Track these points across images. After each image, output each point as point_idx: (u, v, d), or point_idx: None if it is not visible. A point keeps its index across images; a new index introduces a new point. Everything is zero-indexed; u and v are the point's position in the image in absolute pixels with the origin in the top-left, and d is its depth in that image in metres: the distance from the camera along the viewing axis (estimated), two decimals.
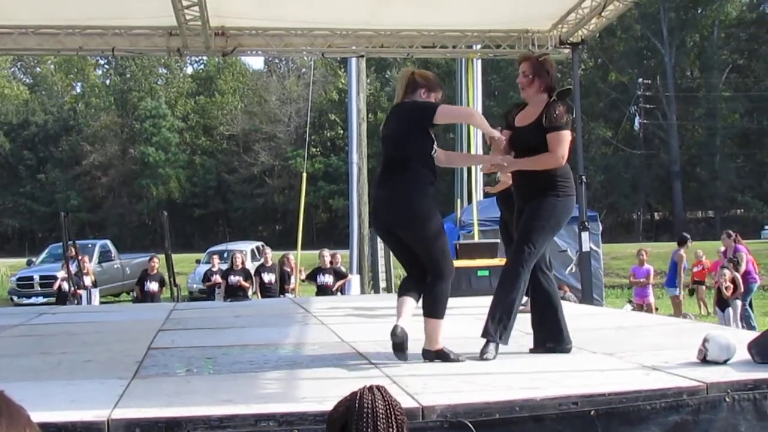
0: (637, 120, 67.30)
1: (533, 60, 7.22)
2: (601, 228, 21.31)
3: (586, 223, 14.16)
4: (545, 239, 6.98)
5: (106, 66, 79.95)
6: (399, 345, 6.37)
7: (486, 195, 14.81)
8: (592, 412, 4.94)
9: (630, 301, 20.56)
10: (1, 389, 1.11)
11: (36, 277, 30.45)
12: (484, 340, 6.77)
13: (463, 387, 5.44)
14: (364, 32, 14.37)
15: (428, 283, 6.67)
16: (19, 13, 13.08)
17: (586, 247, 14.25)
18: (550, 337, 7.05)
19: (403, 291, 6.76)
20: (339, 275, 19.29)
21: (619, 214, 67.56)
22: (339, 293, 18.91)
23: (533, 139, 6.97)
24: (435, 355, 6.58)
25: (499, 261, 13.20)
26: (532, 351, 7.05)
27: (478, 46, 15.22)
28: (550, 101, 7.01)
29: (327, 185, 64.27)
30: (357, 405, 2.76)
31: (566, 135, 6.92)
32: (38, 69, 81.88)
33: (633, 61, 65.27)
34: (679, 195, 63.19)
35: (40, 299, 27.67)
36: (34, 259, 35.04)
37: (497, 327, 6.82)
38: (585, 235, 14.09)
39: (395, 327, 6.36)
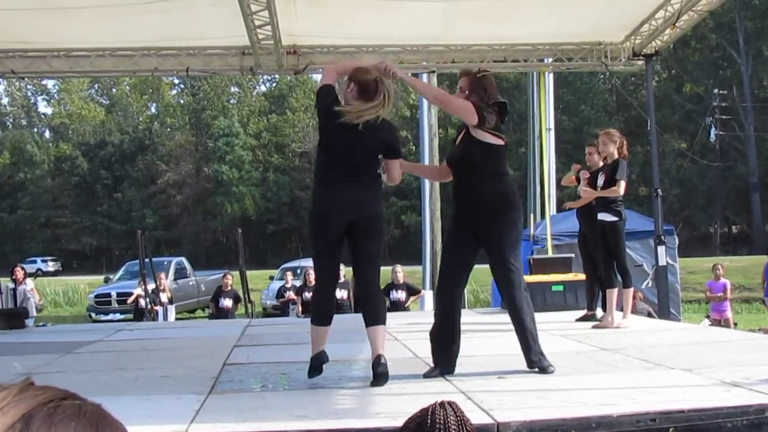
0: (713, 131, 66.38)
1: (471, 76, 7.18)
2: (677, 242, 21.04)
3: (662, 236, 14.00)
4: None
5: (181, 86, 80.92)
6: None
7: (561, 209, 14.72)
8: (671, 429, 4.86)
9: (708, 316, 20.25)
10: (99, 403, 1.12)
11: (113, 294, 30.81)
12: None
13: (539, 403, 5.39)
14: (435, 47, 14.38)
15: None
16: (97, 36, 13.33)
17: (662, 262, 14.08)
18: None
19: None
20: (411, 291, 19.23)
21: (695, 227, 66.63)
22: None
23: (466, 153, 7.01)
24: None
25: (574, 276, 13.10)
26: None
27: (550, 60, 15.13)
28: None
29: (399, 201, 64.21)
30: (429, 421, 2.74)
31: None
32: (114, 90, 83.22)
33: (708, 72, 64.37)
34: (758, 207, 62.05)
35: (118, 315, 28.01)
36: (111, 277, 35.51)
37: (537, 351, 6.87)
38: (661, 249, 13.92)
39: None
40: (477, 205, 6.87)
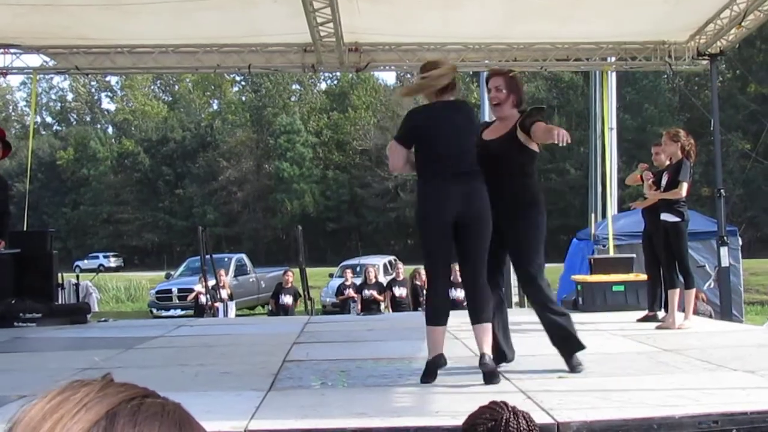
0: None
1: (506, 76, 7.20)
2: (740, 243, 20.76)
3: (725, 237, 13.84)
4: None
5: (242, 83, 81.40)
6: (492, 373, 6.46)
7: (623, 209, 14.58)
8: (734, 431, 4.80)
9: None
10: (179, 402, 1.13)
11: (174, 290, 31.03)
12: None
13: (599, 403, 5.35)
14: (496, 46, 14.34)
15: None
16: (160, 32, 13.46)
17: (725, 263, 13.94)
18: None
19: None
20: None
21: (759, 228, 65.67)
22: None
23: (502, 150, 6.98)
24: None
25: (635, 276, 12.98)
26: None
27: (613, 59, 15.03)
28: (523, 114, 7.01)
29: None
30: (502, 430, 2.70)
31: None
32: (176, 87, 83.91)
33: None
34: None
35: (178, 311, 28.21)
36: (172, 273, 35.77)
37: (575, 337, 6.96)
38: (724, 250, 13.77)
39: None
40: (507, 202, 6.85)
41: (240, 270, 33.23)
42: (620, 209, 20.59)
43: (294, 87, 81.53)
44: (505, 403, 2.76)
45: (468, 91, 68.74)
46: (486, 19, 13.09)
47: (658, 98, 63.23)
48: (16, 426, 1.05)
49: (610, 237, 16.28)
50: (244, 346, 9.81)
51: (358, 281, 21.79)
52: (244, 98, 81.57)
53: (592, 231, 18.55)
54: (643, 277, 12.01)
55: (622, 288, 12.94)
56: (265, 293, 29.31)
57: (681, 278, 10.33)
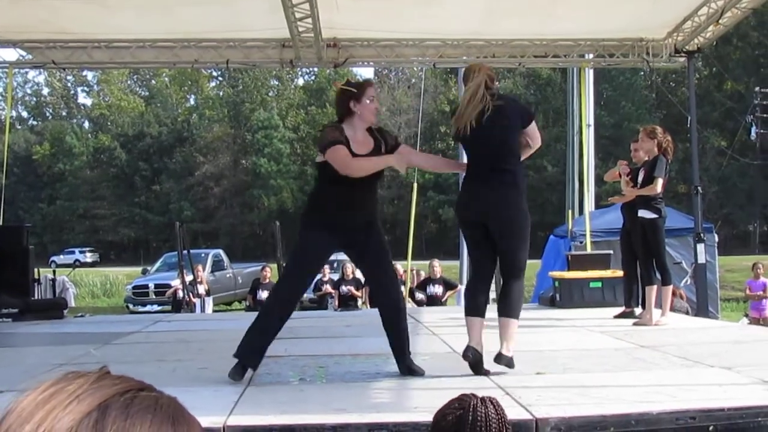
0: (753, 129, 65.72)
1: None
2: (716, 240, 20.86)
3: (701, 234, 13.91)
4: None
5: (220, 78, 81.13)
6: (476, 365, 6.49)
7: (600, 206, 14.61)
8: (711, 428, 4.82)
9: (746, 315, 20.09)
10: (174, 396, 1.13)
11: (151, 285, 31.02)
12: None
13: (577, 399, 5.37)
14: (475, 42, 14.35)
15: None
16: (137, 27, 13.40)
17: (701, 259, 14.00)
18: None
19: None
20: (448, 285, 19.21)
21: (734, 225, 66.03)
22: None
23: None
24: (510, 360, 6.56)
25: (612, 272, 13.03)
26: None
27: (591, 56, 15.07)
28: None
29: (437, 195, 64.09)
30: (470, 417, 2.71)
31: None
32: (153, 82, 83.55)
33: (749, 70, 63.78)
34: None
35: (155, 307, 28.20)
36: (149, 268, 35.73)
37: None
38: (701, 247, 13.84)
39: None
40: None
41: (217, 265, 33.21)
42: (597, 206, 20.65)
43: (272, 83, 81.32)
44: (474, 394, 2.78)
45: (446, 88, 68.98)
46: (465, 16, 13.09)
47: (635, 95, 63.43)
48: (9, 416, 1.04)
49: (588, 233, 16.33)
50: (222, 341, 9.76)
51: (336, 277, 21.78)
52: (221, 93, 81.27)
53: (570, 227, 18.61)
54: (620, 273, 12.06)
55: (599, 284, 12.98)
56: (243, 289, 29.30)
57: (658, 275, 10.37)
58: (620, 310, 11.34)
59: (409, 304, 18.83)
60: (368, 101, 6.74)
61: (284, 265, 6.95)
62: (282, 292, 6.89)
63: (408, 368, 6.63)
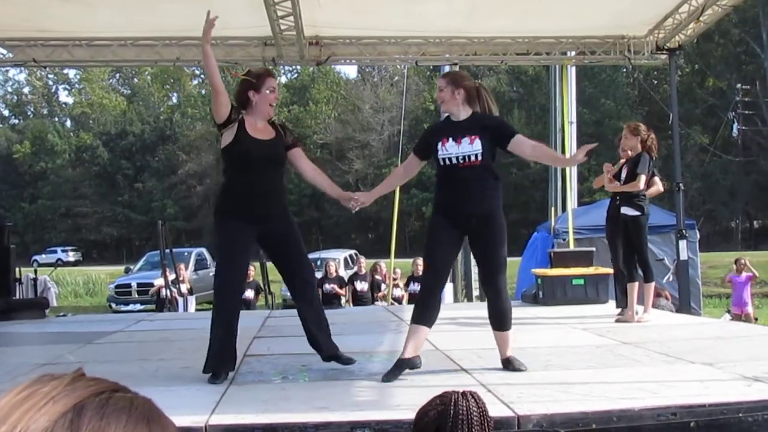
0: (735, 126, 65.89)
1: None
2: (698, 236, 20.92)
3: (683, 231, 13.94)
4: None
5: (202, 76, 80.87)
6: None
7: (583, 203, 14.60)
8: (692, 424, 4.85)
9: (728, 311, 20.16)
10: (150, 397, 1.13)
11: (133, 284, 30.92)
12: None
13: (560, 396, 5.38)
14: (457, 40, 14.36)
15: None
16: (119, 25, 13.35)
17: (683, 256, 14.03)
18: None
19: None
20: None
21: (716, 222, 66.20)
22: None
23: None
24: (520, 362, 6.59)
25: (595, 270, 13.06)
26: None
27: (573, 53, 15.10)
28: None
29: (420, 193, 64.06)
30: (452, 411, 2.72)
31: None
32: (135, 80, 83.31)
33: (731, 67, 63.94)
34: None
35: (138, 306, 28.10)
36: (131, 267, 35.62)
37: None
38: (683, 244, 13.87)
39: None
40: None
41: (200, 264, 33.15)
42: (580, 203, 20.69)
43: None
44: (455, 391, 2.79)
45: (429, 86, 68.94)
46: (447, 13, 13.10)
47: (616, 92, 63.50)
48: None
49: (570, 231, 16.38)
50: (205, 340, 9.72)
51: (319, 275, 21.77)
52: (203, 92, 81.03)
53: (552, 225, 18.65)
54: (603, 270, 12.07)
55: (582, 281, 12.99)
56: None
57: (640, 271, 10.39)
58: (616, 311, 11.04)
59: (392, 303, 18.89)
60: (268, 92, 6.83)
61: (215, 262, 6.91)
62: (223, 289, 6.84)
63: (334, 355, 6.84)
